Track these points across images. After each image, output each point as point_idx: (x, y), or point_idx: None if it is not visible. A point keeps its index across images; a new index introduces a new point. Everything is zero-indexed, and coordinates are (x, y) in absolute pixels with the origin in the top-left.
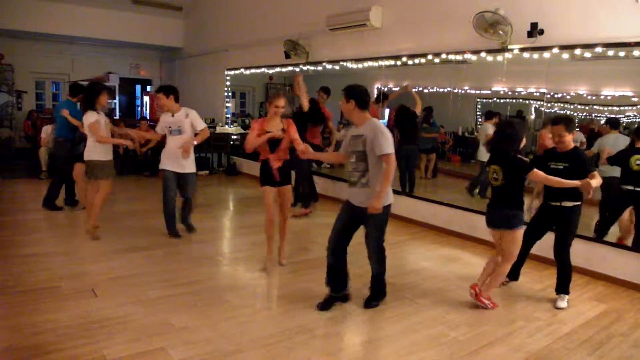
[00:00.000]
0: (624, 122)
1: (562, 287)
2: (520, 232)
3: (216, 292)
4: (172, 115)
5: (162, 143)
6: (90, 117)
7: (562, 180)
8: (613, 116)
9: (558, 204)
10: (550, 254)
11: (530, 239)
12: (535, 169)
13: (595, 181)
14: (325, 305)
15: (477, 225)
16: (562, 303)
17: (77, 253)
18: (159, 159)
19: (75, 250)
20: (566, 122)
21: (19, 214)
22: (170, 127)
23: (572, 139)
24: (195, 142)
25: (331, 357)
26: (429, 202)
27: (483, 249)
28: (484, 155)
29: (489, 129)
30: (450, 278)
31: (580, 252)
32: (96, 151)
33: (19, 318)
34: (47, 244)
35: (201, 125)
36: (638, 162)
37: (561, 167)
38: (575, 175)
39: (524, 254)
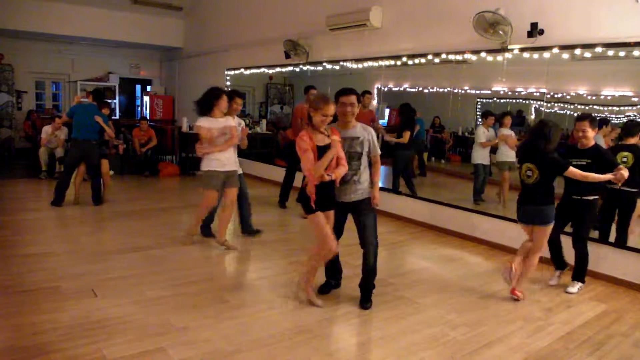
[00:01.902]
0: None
1: (579, 275)
2: (550, 227)
3: (216, 292)
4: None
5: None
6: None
7: (598, 175)
8: (599, 115)
9: (579, 197)
10: (547, 253)
11: (557, 229)
12: (571, 167)
13: (626, 172)
14: (324, 289)
15: (477, 225)
16: (573, 288)
17: (77, 253)
18: (159, 159)
19: (75, 250)
20: (591, 119)
21: (19, 214)
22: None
23: (593, 136)
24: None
25: (331, 357)
26: (429, 202)
27: (483, 249)
28: (479, 157)
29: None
30: (450, 278)
31: None
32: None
33: (19, 318)
34: (47, 244)
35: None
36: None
37: (584, 163)
38: (599, 170)
39: (558, 242)
